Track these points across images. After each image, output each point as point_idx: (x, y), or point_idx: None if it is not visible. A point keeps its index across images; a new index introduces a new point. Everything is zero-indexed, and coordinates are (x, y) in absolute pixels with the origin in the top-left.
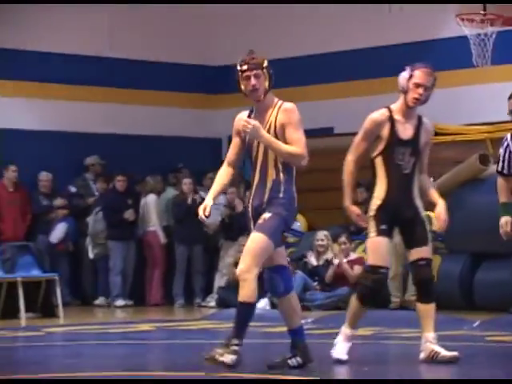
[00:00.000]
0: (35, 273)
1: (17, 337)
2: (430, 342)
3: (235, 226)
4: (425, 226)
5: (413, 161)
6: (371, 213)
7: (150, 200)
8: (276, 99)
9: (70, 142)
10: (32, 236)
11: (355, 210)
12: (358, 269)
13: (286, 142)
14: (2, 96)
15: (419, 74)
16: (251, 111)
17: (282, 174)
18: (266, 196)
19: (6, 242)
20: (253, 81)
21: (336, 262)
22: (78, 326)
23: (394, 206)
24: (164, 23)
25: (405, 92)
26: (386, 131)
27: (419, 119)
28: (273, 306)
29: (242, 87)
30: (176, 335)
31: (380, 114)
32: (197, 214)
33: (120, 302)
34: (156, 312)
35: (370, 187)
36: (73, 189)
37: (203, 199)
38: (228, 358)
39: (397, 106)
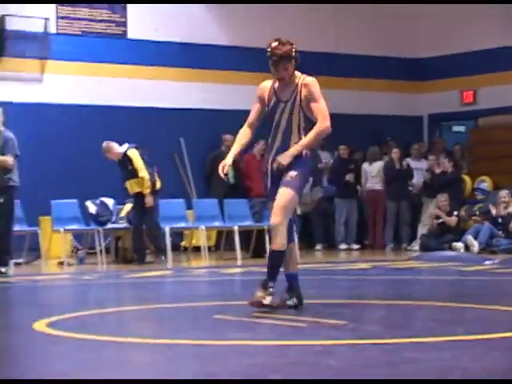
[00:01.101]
0: None
1: None
2: None
3: (434, 186)
4: None
5: None
6: None
7: (374, 166)
8: (299, 74)
9: None
10: None
11: None
12: None
13: (310, 113)
14: (239, 84)
15: None
16: (275, 81)
17: (303, 138)
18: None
19: (255, 198)
20: (281, 73)
21: None
22: (306, 264)
23: None
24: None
25: None
26: None
27: None
28: (466, 249)
29: (271, 69)
30: (388, 272)
31: None
32: (404, 177)
33: (343, 246)
34: (372, 254)
35: None
36: None
37: (409, 165)
38: (268, 300)
39: None
